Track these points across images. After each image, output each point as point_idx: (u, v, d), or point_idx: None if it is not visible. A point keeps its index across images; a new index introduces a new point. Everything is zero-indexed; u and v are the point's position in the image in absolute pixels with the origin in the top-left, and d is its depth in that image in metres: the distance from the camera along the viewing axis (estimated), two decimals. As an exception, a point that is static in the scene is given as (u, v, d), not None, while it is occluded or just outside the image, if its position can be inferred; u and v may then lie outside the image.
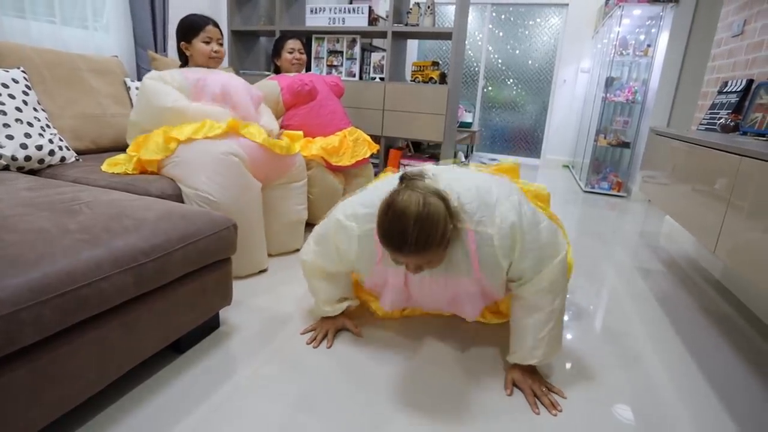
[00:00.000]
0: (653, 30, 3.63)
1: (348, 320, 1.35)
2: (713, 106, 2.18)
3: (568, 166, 5.24)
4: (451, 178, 1.06)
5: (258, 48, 3.30)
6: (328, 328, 1.31)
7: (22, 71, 1.58)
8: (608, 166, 3.98)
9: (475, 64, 5.55)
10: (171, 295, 1.05)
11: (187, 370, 1.12)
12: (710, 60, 2.45)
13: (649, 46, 3.53)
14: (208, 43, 1.75)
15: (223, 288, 1.24)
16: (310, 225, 2.01)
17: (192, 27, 1.74)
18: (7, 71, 1.52)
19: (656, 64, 3.47)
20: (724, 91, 2.13)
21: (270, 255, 1.84)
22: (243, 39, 3.15)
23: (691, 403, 1.13)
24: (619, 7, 3.40)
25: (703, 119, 2.24)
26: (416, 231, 0.89)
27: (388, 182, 1.08)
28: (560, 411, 1.06)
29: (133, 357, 0.98)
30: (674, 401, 1.13)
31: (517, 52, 5.39)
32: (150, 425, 0.94)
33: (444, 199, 0.94)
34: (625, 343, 1.40)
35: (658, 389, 1.18)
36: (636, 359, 1.32)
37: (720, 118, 2.02)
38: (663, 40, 3.40)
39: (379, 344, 1.29)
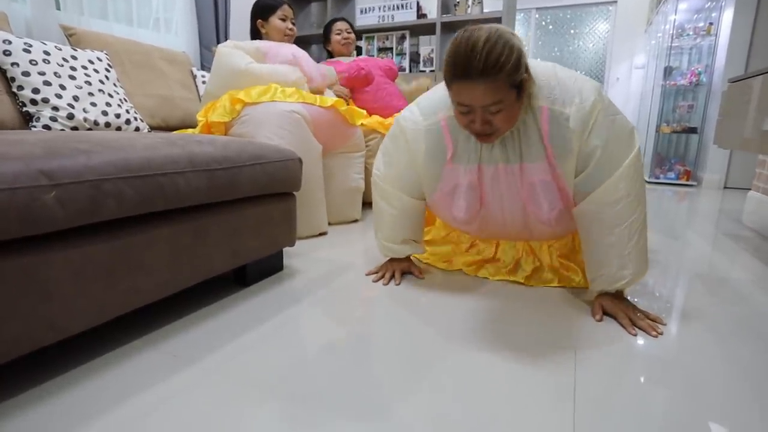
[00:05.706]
0: (713, 14, 3.47)
1: (413, 265, 1.30)
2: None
3: (627, 168, 4.97)
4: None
5: (310, 54, 3.44)
6: (394, 269, 1.26)
7: (105, 53, 1.72)
8: (673, 157, 3.74)
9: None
10: (239, 214, 1.05)
11: (250, 298, 1.11)
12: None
13: (711, 24, 3.36)
14: (283, 20, 1.85)
15: (288, 223, 1.24)
16: (367, 204, 2.02)
17: (269, 5, 1.86)
18: (93, 51, 1.66)
19: (720, 44, 3.28)
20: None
21: (329, 224, 1.83)
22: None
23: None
24: (675, -12, 3.28)
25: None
26: (486, 50, 0.80)
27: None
28: (661, 334, 0.94)
29: (201, 269, 0.97)
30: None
31: (565, 54, 5.31)
32: (210, 337, 0.92)
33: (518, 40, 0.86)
34: (724, 287, 1.25)
35: (775, 321, 1.02)
36: (742, 299, 1.16)
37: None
38: (726, 18, 3.22)
39: (448, 286, 1.22)
